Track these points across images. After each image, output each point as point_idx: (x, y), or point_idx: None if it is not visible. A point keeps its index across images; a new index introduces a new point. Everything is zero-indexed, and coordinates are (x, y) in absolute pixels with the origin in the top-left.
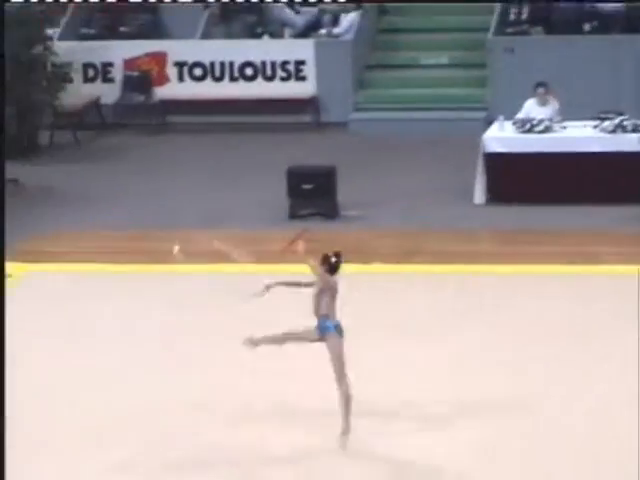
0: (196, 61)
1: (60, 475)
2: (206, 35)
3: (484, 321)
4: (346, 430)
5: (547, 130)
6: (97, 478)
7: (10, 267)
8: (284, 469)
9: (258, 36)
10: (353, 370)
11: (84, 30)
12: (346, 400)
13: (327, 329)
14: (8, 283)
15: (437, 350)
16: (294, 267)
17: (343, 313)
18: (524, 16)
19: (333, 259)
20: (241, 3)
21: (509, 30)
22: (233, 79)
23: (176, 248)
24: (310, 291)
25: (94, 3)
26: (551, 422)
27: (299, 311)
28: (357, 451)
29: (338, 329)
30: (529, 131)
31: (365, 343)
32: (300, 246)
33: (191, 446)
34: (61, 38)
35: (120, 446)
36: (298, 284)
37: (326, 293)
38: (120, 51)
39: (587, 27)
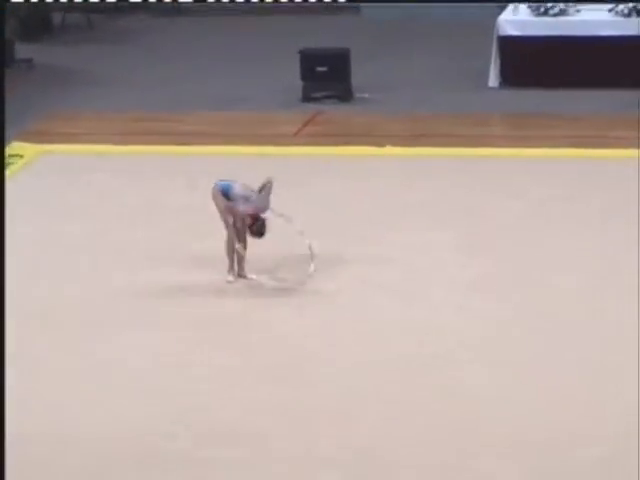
0: None
1: None
2: None
3: (494, 204)
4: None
5: (562, 13)
6: None
7: (22, 147)
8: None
9: None
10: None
11: None
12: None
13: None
14: (20, 163)
15: (448, 232)
16: (307, 149)
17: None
18: None
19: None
20: None
21: None
22: None
23: None
24: None
25: None
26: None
27: None
28: None
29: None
30: (544, 14)
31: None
32: None
33: None
34: None
35: None
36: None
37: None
38: None
39: None
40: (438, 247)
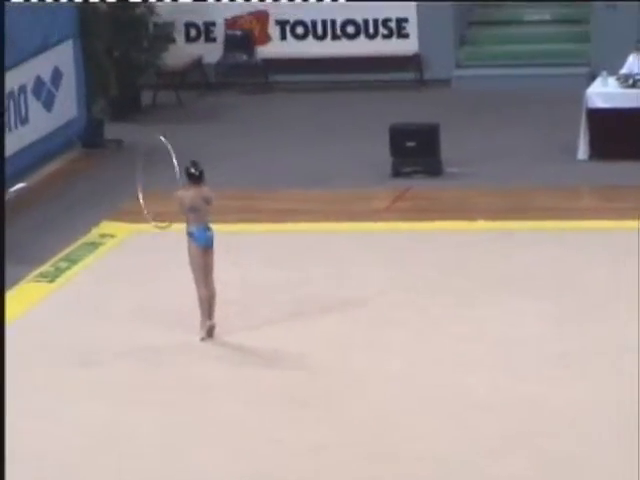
0: (298, 19)
1: None
2: None
3: (592, 278)
4: (209, 326)
5: None
6: None
7: (113, 227)
8: None
9: None
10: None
11: None
12: (205, 300)
13: (188, 235)
14: (111, 242)
15: (546, 306)
16: (397, 224)
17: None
18: None
19: (191, 170)
20: None
21: None
22: (335, 37)
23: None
24: None
25: None
26: None
27: None
28: None
29: (194, 236)
30: (632, 86)
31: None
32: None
33: None
34: None
35: None
36: None
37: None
38: (222, 10)
39: None
40: (532, 319)
